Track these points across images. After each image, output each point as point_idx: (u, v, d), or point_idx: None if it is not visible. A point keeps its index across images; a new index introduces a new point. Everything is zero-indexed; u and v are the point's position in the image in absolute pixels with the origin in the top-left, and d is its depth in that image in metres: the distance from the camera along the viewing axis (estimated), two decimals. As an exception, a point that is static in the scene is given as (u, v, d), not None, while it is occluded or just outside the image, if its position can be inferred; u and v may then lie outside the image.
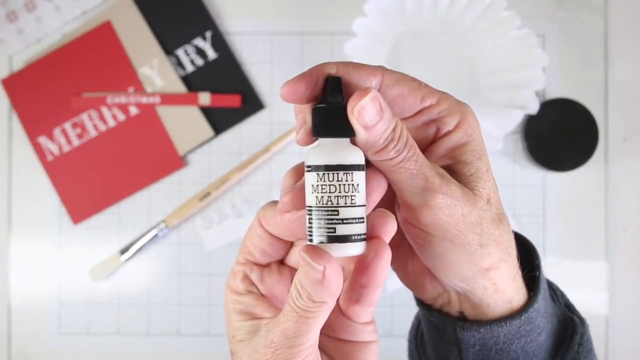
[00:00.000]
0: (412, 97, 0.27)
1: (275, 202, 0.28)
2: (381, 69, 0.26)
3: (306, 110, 0.26)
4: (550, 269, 0.59)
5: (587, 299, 0.59)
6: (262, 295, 0.31)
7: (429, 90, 0.27)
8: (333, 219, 0.25)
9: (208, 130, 0.59)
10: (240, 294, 0.32)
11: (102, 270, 0.59)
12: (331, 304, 0.26)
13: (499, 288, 0.29)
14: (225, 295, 0.32)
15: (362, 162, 0.25)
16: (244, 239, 0.31)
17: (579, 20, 0.60)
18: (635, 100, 0.60)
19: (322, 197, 0.25)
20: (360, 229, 0.25)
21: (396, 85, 0.27)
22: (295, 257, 0.31)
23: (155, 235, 0.58)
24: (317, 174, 0.25)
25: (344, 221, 0.25)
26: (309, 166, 0.25)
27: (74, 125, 0.59)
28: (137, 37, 0.60)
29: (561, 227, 0.59)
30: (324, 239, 0.25)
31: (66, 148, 0.59)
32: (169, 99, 0.59)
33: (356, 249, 0.25)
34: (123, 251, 0.59)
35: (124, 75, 0.59)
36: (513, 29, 0.52)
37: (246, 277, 0.32)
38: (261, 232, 0.31)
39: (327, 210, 0.25)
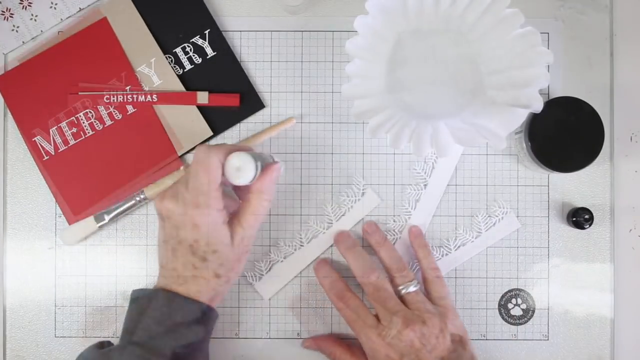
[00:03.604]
0: None
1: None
2: None
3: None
4: (555, 271, 0.58)
5: (592, 301, 0.58)
6: None
7: None
8: None
9: (206, 130, 0.58)
10: None
11: (75, 234, 0.57)
12: None
13: None
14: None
15: None
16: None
17: (584, 18, 0.59)
18: (641, 99, 0.59)
19: None
20: None
21: None
22: None
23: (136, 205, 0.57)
24: None
25: None
26: None
27: (70, 124, 0.58)
28: (134, 35, 0.59)
29: (565, 228, 0.58)
30: None
31: (62, 147, 0.58)
32: (166, 97, 0.58)
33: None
34: (98, 218, 0.57)
35: (121, 73, 0.58)
36: (517, 27, 0.51)
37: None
38: None
39: None
